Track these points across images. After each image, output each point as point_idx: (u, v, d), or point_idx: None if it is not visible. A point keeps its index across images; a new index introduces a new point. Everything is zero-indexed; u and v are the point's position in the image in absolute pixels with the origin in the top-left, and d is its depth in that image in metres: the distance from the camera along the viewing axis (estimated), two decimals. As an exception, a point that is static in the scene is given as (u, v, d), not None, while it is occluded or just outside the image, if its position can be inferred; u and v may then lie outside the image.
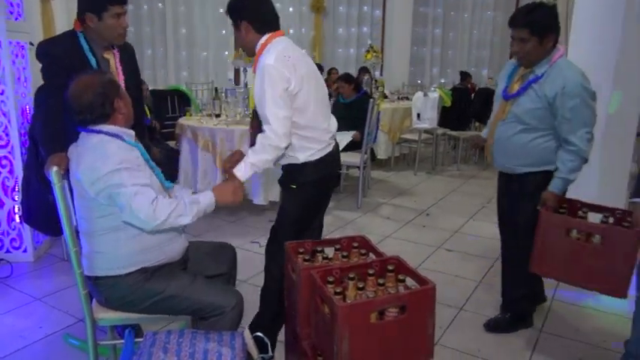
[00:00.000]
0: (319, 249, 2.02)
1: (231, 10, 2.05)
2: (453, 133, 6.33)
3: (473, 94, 6.74)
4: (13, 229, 3.25)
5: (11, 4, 3.20)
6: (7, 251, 3.26)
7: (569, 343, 2.46)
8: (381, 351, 1.61)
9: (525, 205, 2.32)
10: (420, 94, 5.92)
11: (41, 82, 2.18)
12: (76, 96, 1.67)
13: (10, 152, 3.14)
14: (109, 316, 1.81)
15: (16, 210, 3.21)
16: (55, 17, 5.45)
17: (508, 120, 2.28)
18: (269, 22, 2.05)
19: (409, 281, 1.76)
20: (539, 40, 2.12)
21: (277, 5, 6.90)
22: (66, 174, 1.75)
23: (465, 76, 7.23)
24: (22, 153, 3.12)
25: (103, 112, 1.68)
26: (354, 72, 7.63)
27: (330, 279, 1.68)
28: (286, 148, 2.00)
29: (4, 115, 3.09)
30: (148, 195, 1.60)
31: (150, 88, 5.20)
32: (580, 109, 2.11)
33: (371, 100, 4.60)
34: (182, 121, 4.36)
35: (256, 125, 2.26)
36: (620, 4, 3.26)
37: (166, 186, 1.86)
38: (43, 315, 2.65)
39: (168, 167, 4.14)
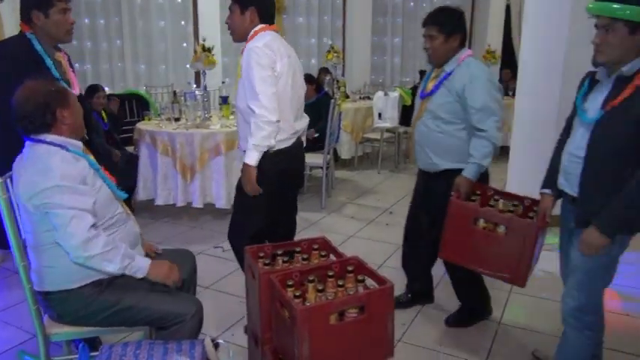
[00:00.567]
0: (279, 252, 2.01)
1: None
2: (415, 131, 6.41)
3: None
4: (-39, 243, 3.11)
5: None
6: (-44, 266, 3.11)
7: (526, 333, 2.55)
8: (342, 352, 1.62)
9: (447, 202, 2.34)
10: (380, 93, 5.98)
11: None
12: (18, 103, 1.62)
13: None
14: (62, 331, 1.75)
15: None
16: (3, 22, 5.22)
17: (425, 118, 2.38)
18: (271, 14, 2.31)
19: (369, 281, 1.78)
20: (445, 37, 2.30)
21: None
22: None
23: (424, 74, 7.33)
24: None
25: (44, 122, 1.63)
26: (315, 66, 7.67)
27: (290, 282, 1.68)
28: (278, 122, 2.13)
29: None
30: (86, 221, 1.57)
31: (108, 93, 5.06)
32: (487, 100, 2.23)
33: (332, 100, 4.62)
34: (140, 125, 4.26)
35: None
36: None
37: (119, 196, 1.81)
38: (-4, 332, 2.54)
39: (127, 173, 4.06)
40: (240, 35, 2.27)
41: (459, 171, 2.30)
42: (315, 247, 2.02)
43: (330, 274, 1.69)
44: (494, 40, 8.32)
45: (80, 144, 1.73)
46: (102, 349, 1.60)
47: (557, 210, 2.01)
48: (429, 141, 2.38)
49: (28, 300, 1.68)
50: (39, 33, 2.14)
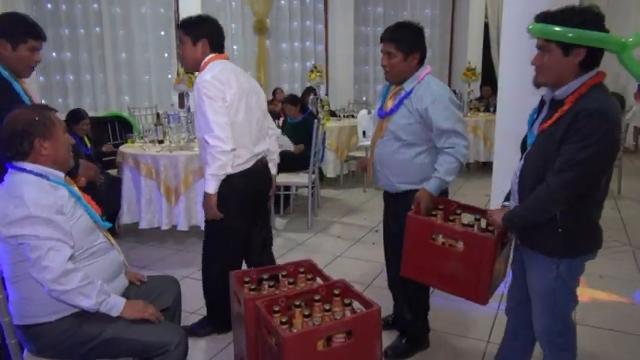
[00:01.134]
0: (265, 277, 1.99)
1: (193, 27, 2.31)
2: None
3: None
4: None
5: None
6: None
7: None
8: (330, 378, 1.60)
9: None
10: (364, 112, 6.03)
11: None
12: (1, 129, 1.61)
13: None
14: (43, 365, 1.70)
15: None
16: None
17: (386, 137, 2.31)
18: (221, 44, 2.40)
19: (356, 304, 1.77)
20: (404, 55, 2.22)
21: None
22: None
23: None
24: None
25: (20, 150, 1.61)
26: (299, 89, 7.72)
27: (276, 308, 1.67)
28: (234, 150, 2.23)
29: None
30: (64, 253, 1.54)
31: (90, 115, 5.00)
32: (454, 121, 2.19)
33: (315, 120, 4.65)
34: (123, 148, 4.22)
35: None
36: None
37: (102, 225, 1.78)
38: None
39: (110, 196, 4.00)
40: (192, 66, 2.36)
41: None
42: (301, 270, 2.01)
43: (317, 298, 1.67)
44: (473, 56, 8.47)
45: (61, 174, 1.70)
46: (83, 383, 1.56)
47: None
48: (388, 162, 2.32)
49: (6, 334, 1.63)
50: (2, 61, 2.09)
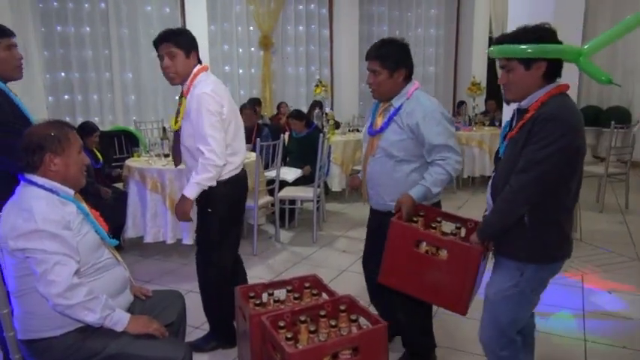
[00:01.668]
0: (270, 292, 1.98)
1: (185, 39, 2.35)
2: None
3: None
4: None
5: None
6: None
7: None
8: (336, 396, 1.57)
9: None
10: (369, 125, 6.02)
11: None
12: (22, 139, 1.65)
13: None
14: (46, 381, 1.68)
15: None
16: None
17: (377, 155, 2.28)
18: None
19: (362, 320, 1.75)
20: (389, 73, 2.19)
21: (225, 47, 6.86)
22: None
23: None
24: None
25: (30, 162, 1.63)
26: (304, 106, 7.77)
27: (282, 324, 1.65)
28: (224, 165, 2.32)
29: None
30: (70, 267, 1.55)
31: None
32: (446, 136, 2.17)
33: (321, 134, 4.66)
34: (129, 162, 4.24)
35: (177, 147, 2.53)
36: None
37: (109, 243, 1.78)
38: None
39: (116, 210, 4.01)
40: (183, 77, 2.36)
41: None
42: (307, 285, 1.99)
43: (323, 313, 1.66)
44: (478, 71, 8.52)
45: (72, 191, 1.71)
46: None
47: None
48: (381, 180, 2.28)
49: (10, 348, 1.62)
50: None
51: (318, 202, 4.64)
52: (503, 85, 1.78)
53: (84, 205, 1.73)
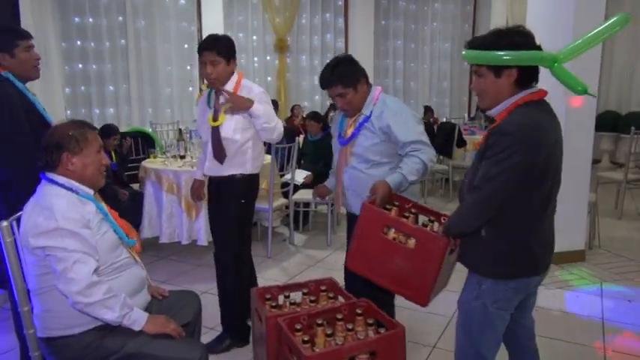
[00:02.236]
0: (287, 294, 1.98)
1: (226, 48, 2.50)
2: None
3: (435, 128, 6.90)
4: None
5: None
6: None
7: None
8: (353, 400, 1.56)
9: None
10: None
11: None
12: (44, 139, 1.68)
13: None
14: (64, 379, 1.69)
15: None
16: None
17: (353, 162, 2.32)
18: None
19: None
20: (354, 89, 2.25)
21: (242, 56, 6.84)
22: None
23: (426, 110, 7.43)
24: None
25: (48, 161, 1.66)
26: (318, 104, 7.79)
27: (298, 326, 1.64)
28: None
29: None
30: (89, 266, 1.56)
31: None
32: (417, 133, 2.20)
33: (334, 138, 4.65)
34: (145, 163, 4.28)
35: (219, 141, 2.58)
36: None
37: (127, 243, 1.79)
38: (-5, 377, 2.48)
39: (132, 211, 4.05)
40: (223, 82, 2.53)
41: None
42: (323, 288, 1.98)
43: (339, 317, 1.65)
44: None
45: (91, 191, 1.73)
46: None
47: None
48: (360, 186, 2.28)
49: (29, 346, 1.64)
50: (10, 71, 2.19)
51: (332, 205, 4.63)
52: (477, 92, 1.69)
53: (103, 204, 1.74)
